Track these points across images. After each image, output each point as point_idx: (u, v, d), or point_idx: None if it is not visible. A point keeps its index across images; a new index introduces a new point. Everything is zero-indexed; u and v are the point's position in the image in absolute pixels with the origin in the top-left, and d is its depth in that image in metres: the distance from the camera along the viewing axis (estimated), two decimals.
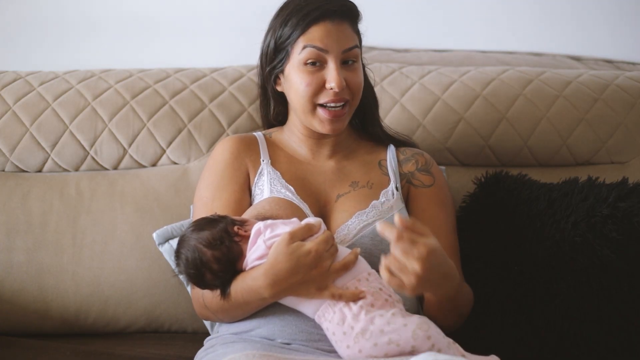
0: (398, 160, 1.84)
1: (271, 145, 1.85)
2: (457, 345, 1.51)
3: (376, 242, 1.67)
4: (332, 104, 1.70)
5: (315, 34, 1.68)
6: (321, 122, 1.72)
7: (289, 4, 1.74)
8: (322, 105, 1.71)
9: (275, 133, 1.88)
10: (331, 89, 1.68)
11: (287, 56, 1.72)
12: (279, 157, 1.82)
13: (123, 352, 1.83)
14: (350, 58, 1.71)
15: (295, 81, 1.71)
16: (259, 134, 1.88)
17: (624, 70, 2.37)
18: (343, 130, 1.77)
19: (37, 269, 2.00)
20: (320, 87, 1.69)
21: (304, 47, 1.68)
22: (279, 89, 1.79)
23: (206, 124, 2.13)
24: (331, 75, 1.68)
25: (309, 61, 1.69)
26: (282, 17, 1.73)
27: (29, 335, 1.97)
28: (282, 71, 1.75)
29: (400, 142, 1.89)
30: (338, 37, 1.69)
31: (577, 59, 2.50)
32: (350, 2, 1.75)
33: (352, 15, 1.73)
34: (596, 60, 2.49)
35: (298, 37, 1.69)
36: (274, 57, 1.75)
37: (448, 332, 1.71)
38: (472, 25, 2.58)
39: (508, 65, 2.37)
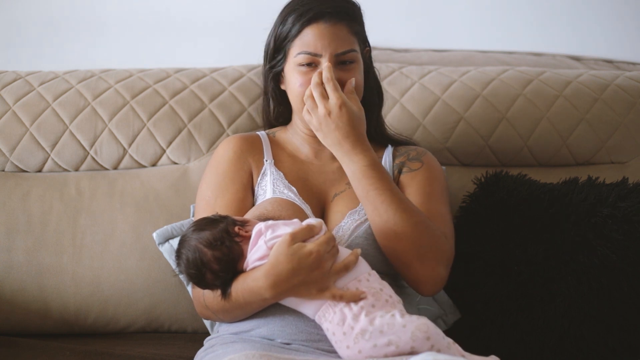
0: (393, 157, 1.84)
1: (274, 144, 1.85)
2: (457, 345, 1.51)
3: (371, 241, 1.67)
4: None
5: (309, 36, 1.70)
6: None
7: (289, 2, 1.75)
8: None
9: (279, 132, 1.88)
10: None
11: (285, 56, 1.74)
12: (282, 157, 1.82)
13: (123, 352, 1.82)
14: (346, 59, 1.71)
15: (291, 81, 1.74)
16: (262, 134, 1.88)
17: (624, 70, 2.37)
18: None
19: (37, 269, 2.00)
20: None
21: (299, 53, 1.70)
22: (282, 87, 1.81)
23: (206, 124, 2.12)
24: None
25: (303, 63, 1.71)
26: (281, 17, 1.75)
27: (29, 335, 1.97)
28: (282, 70, 1.76)
29: (400, 143, 1.89)
30: (331, 40, 1.69)
31: (577, 59, 2.50)
32: (347, 2, 1.74)
33: (348, 17, 1.72)
34: (596, 60, 2.49)
35: (294, 38, 1.71)
36: (273, 56, 1.77)
37: (448, 330, 1.72)
38: (472, 25, 2.58)
39: (508, 65, 2.37)
